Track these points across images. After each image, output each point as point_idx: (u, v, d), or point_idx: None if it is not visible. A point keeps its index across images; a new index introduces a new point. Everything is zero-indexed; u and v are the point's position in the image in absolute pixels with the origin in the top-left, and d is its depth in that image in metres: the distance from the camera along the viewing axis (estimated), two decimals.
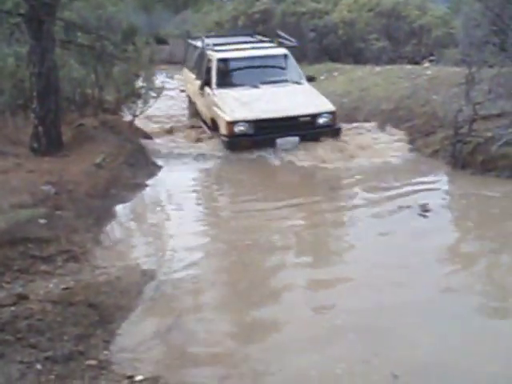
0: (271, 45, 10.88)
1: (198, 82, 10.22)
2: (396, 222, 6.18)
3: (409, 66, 12.36)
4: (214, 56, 10.01)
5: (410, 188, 7.10)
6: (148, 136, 9.96)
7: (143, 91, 9.93)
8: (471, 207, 6.78)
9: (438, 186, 7.26)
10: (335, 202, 6.96)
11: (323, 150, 8.64)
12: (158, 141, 9.67)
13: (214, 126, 9.42)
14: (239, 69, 10.12)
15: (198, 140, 9.71)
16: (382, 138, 9.11)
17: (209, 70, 9.95)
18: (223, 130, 8.84)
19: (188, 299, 4.86)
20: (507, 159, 7.22)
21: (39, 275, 4.85)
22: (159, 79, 10.75)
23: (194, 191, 7.75)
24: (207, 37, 11.56)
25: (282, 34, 11.33)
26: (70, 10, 9.70)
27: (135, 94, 9.93)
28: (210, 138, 9.55)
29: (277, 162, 8.42)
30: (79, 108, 9.69)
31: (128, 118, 9.97)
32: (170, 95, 12.89)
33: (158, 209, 7.17)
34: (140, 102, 9.89)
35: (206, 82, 9.85)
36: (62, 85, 8.65)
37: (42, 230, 5.46)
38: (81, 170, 7.22)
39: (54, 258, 5.14)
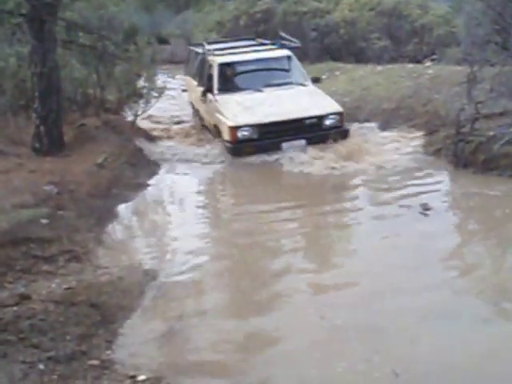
0: (273, 47, 10.60)
1: (201, 89, 9.95)
2: (397, 222, 6.15)
3: (410, 65, 12.34)
4: (215, 61, 9.77)
5: (411, 187, 7.08)
6: (150, 136, 9.96)
7: (145, 91, 9.94)
8: (472, 206, 6.77)
9: (439, 184, 7.25)
10: (337, 202, 6.92)
11: (329, 152, 8.34)
12: (159, 144, 9.58)
13: (217, 132, 9.15)
14: (241, 73, 9.85)
15: (200, 141, 9.63)
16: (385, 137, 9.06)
17: (210, 76, 9.71)
18: (226, 135, 8.57)
19: (190, 299, 4.86)
20: (509, 158, 7.20)
21: (41, 275, 4.85)
22: (161, 79, 10.73)
23: (196, 191, 7.74)
24: (208, 42, 11.37)
25: (285, 35, 11.10)
26: (72, 10, 9.71)
27: (137, 94, 9.95)
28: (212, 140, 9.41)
29: (282, 167, 8.13)
30: (81, 108, 9.71)
31: (130, 117, 9.99)
32: (171, 95, 12.87)
33: (160, 209, 7.18)
34: (142, 102, 9.91)
35: (208, 88, 9.61)
36: (64, 85, 8.66)
37: (44, 230, 5.47)
38: (82, 169, 7.22)
39: (56, 258, 5.15)
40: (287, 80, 9.74)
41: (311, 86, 9.67)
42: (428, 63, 13.55)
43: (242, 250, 5.76)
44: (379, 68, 12.38)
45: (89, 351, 3.95)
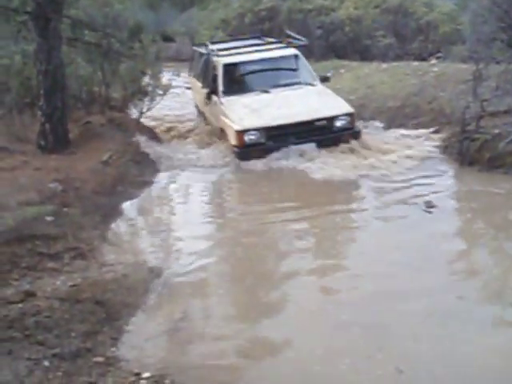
0: (280, 45, 10.24)
1: (205, 91, 9.64)
2: (401, 220, 6.15)
3: (416, 63, 12.32)
4: (220, 62, 9.45)
5: (416, 184, 7.07)
6: (154, 134, 9.97)
7: (150, 89, 9.94)
8: (477, 204, 6.73)
9: (444, 182, 7.23)
10: (342, 202, 6.91)
11: (338, 155, 8.07)
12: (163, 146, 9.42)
13: (223, 136, 8.81)
14: (247, 73, 9.56)
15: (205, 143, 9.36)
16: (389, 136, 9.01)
17: (215, 77, 9.39)
18: (233, 140, 8.24)
19: (195, 296, 4.87)
20: None
21: (47, 272, 4.86)
22: (166, 77, 10.71)
23: (202, 189, 7.74)
24: (212, 42, 11.14)
25: (291, 33, 10.80)
26: (77, 7, 9.70)
27: (142, 92, 9.95)
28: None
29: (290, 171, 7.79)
30: (86, 106, 9.73)
31: (135, 115, 10.00)
32: (176, 92, 12.85)
33: (165, 206, 7.19)
34: (147, 100, 9.91)
35: (213, 90, 9.30)
36: (69, 82, 8.69)
37: (50, 228, 5.48)
38: (88, 167, 7.24)
39: (62, 256, 5.16)
40: (295, 80, 9.41)
41: (320, 86, 9.34)
42: (433, 61, 13.53)
43: (247, 248, 5.76)
44: (384, 66, 12.36)
45: (94, 348, 3.96)
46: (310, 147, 8.11)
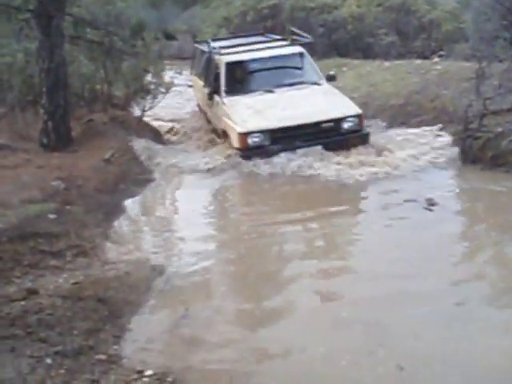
0: (285, 43, 9.87)
1: (207, 90, 9.35)
2: (402, 217, 6.15)
3: (418, 61, 12.29)
4: (222, 60, 9.16)
5: (418, 182, 7.06)
6: (157, 132, 9.97)
7: (152, 87, 9.94)
8: (478, 202, 6.75)
9: (446, 180, 7.22)
10: (344, 200, 6.91)
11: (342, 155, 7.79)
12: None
13: (225, 138, 8.46)
14: (251, 72, 9.20)
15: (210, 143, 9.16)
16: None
17: (217, 76, 9.11)
18: (235, 142, 7.92)
19: (197, 294, 4.87)
20: None
21: (49, 270, 4.87)
22: (168, 75, 10.70)
23: (203, 189, 7.73)
24: (214, 40, 10.84)
25: (296, 30, 10.42)
26: (79, 5, 9.71)
27: (144, 90, 9.95)
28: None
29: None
30: (88, 103, 9.74)
31: (137, 113, 10.00)
32: (178, 90, 12.84)
33: (167, 204, 7.19)
34: (149, 98, 9.91)
35: (215, 90, 9.02)
36: (71, 80, 8.69)
37: (52, 225, 5.49)
38: (90, 165, 7.25)
39: (64, 253, 5.17)
40: (300, 79, 9.11)
41: (326, 85, 9.02)
42: (436, 59, 13.48)
43: (250, 246, 5.75)
44: (387, 64, 12.33)
45: (96, 346, 3.97)
46: (316, 150, 7.76)
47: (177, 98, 12.81)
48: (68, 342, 3.91)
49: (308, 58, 9.45)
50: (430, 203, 6.30)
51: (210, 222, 6.55)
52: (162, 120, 11.20)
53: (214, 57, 9.46)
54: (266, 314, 4.53)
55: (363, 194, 7.08)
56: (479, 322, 4.22)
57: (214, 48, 9.60)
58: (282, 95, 8.61)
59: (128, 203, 6.84)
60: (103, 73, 9.73)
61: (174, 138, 10.12)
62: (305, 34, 10.12)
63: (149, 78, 10.04)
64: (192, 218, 6.56)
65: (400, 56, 14.35)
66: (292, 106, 8.23)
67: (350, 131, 8.02)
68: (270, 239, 5.86)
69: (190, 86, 12.72)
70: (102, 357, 3.86)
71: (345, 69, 13.01)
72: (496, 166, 7.26)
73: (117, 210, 6.56)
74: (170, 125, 10.95)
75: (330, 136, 7.93)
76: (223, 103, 8.66)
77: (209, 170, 7.92)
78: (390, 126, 9.35)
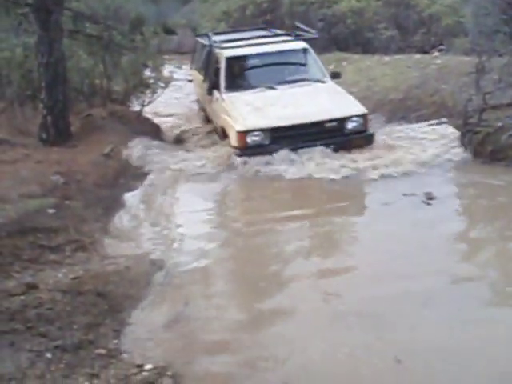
0: (288, 38, 9.54)
1: (207, 86, 9.06)
2: (401, 211, 6.17)
3: (418, 56, 12.27)
4: (223, 54, 8.84)
5: (417, 176, 7.07)
6: (156, 126, 9.96)
7: (151, 81, 9.92)
8: (477, 196, 6.74)
9: (446, 174, 7.22)
10: (339, 194, 6.91)
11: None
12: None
13: (224, 136, 8.15)
14: (252, 68, 8.95)
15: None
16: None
17: (217, 71, 8.79)
18: (233, 140, 7.61)
19: (197, 288, 4.87)
20: None
21: (48, 265, 4.87)
22: (167, 69, 10.67)
23: (203, 181, 7.72)
24: (215, 33, 10.55)
25: (301, 25, 10.09)
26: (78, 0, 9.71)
27: (143, 84, 9.94)
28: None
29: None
30: (87, 98, 9.73)
31: (136, 108, 9.99)
32: (178, 85, 12.82)
33: (167, 198, 7.18)
34: (148, 92, 9.90)
35: (214, 85, 8.70)
36: (70, 75, 8.68)
37: (51, 220, 5.49)
38: (89, 160, 7.25)
39: (63, 248, 5.17)
40: (303, 76, 8.76)
41: (330, 83, 8.69)
42: (435, 53, 13.47)
43: (249, 240, 5.76)
44: (386, 58, 12.31)
45: (96, 340, 3.97)
46: (318, 151, 7.48)
47: (176, 93, 12.78)
48: (68, 337, 3.91)
49: (312, 54, 9.13)
50: (429, 197, 6.32)
51: (209, 215, 6.55)
52: (160, 115, 11.15)
53: (215, 51, 9.19)
54: (265, 307, 4.54)
55: (363, 190, 7.07)
56: (478, 313, 4.26)
57: (215, 42, 9.30)
58: (284, 92, 8.28)
59: (127, 198, 6.84)
60: (102, 67, 9.71)
61: (171, 135, 10.05)
62: (310, 29, 9.81)
63: (148, 72, 10.02)
64: (191, 212, 6.56)
65: (400, 50, 14.34)
66: (294, 103, 7.93)
67: (355, 132, 7.72)
68: (269, 235, 5.84)
69: (190, 81, 12.63)
70: (102, 351, 3.87)
71: (344, 63, 13.00)
72: (496, 161, 7.26)
73: (116, 205, 6.56)
74: (175, 121, 10.84)
75: (333, 136, 7.62)
76: (222, 99, 8.38)
77: (206, 170, 7.67)
78: (390, 120, 9.35)
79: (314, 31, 9.76)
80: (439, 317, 4.19)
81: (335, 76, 8.96)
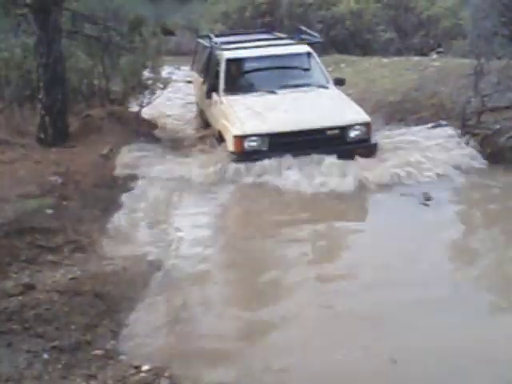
0: (291, 42, 9.29)
1: (206, 88, 8.85)
2: (398, 212, 6.20)
3: (416, 58, 12.30)
4: (223, 56, 8.60)
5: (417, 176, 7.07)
6: (154, 127, 9.95)
7: (150, 82, 9.91)
8: (474, 198, 6.79)
9: (443, 176, 7.23)
10: (337, 193, 6.89)
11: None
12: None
13: (222, 140, 7.86)
14: (252, 71, 8.73)
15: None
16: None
17: (217, 73, 8.56)
18: (230, 146, 7.35)
19: (195, 289, 4.87)
20: None
21: (46, 265, 4.87)
22: (166, 70, 10.65)
23: (201, 182, 7.69)
24: (217, 35, 10.33)
25: (305, 28, 9.83)
26: (77, 0, 9.69)
27: (142, 85, 9.92)
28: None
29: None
30: (86, 99, 9.72)
31: (135, 108, 9.98)
32: (176, 86, 12.80)
33: (165, 199, 7.17)
34: (147, 93, 9.88)
35: (214, 88, 8.47)
36: (69, 75, 8.67)
37: (49, 221, 5.49)
38: (87, 160, 7.25)
39: (61, 248, 5.17)
40: (306, 81, 8.51)
41: (333, 89, 8.41)
42: (434, 56, 13.51)
43: (247, 240, 5.77)
44: (385, 60, 12.34)
45: (93, 341, 3.97)
46: (318, 159, 7.15)
47: (175, 94, 12.77)
48: (65, 337, 3.91)
49: (315, 59, 8.85)
50: (426, 198, 6.34)
51: (208, 214, 6.54)
52: (159, 116, 11.10)
53: (216, 52, 8.96)
54: (263, 307, 4.55)
55: (361, 194, 7.06)
56: (476, 315, 4.26)
57: (216, 43, 9.03)
58: (285, 97, 8.01)
59: (125, 198, 6.83)
60: (101, 68, 9.70)
61: (169, 137, 9.98)
62: (314, 33, 9.58)
63: (147, 73, 10.00)
64: (189, 214, 6.56)
65: (398, 52, 14.39)
66: (295, 109, 7.65)
67: (357, 140, 7.43)
68: (268, 231, 5.88)
69: (189, 82, 12.53)
70: (99, 352, 3.86)
71: (343, 65, 13.03)
72: (494, 163, 7.27)
73: (114, 206, 6.55)
74: (174, 123, 10.79)
75: (335, 144, 7.31)
76: (221, 102, 8.15)
77: (202, 174, 7.43)
78: (388, 122, 9.33)
79: (317, 35, 9.54)
80: (439, 320, 4.19)
81: (339, 82, 8.62)
